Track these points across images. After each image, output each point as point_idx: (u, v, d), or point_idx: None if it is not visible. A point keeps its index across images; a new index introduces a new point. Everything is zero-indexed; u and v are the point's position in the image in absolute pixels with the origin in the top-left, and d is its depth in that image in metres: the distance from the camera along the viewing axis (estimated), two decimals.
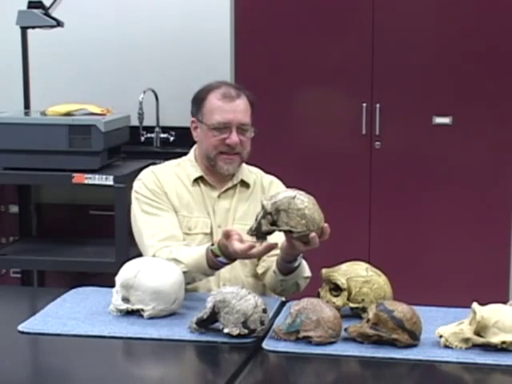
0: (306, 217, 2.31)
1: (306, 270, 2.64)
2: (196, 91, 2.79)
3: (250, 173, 2.83)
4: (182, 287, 2.40)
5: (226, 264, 2.52)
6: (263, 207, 2.33)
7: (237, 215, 2.75)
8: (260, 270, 2.71)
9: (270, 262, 2.66)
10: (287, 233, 2.36)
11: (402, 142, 4.63)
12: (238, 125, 2.68)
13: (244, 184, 2.79)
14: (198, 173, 2.77)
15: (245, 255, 2.44)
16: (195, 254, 2.55)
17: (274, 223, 2.33)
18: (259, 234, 2.35)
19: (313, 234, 2.33)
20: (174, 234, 2.68)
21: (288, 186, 2.83)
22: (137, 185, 2.78)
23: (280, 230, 2.35)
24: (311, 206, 2.33)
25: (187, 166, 2.80)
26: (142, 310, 2.34)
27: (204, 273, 2.56)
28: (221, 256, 2.48)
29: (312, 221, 2.33)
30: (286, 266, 2.56)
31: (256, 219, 2.36)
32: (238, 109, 2.69)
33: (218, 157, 2.71)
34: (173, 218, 2.71)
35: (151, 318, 2.33)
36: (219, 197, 2.76)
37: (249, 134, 2.72)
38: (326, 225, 2.37)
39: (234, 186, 2.78)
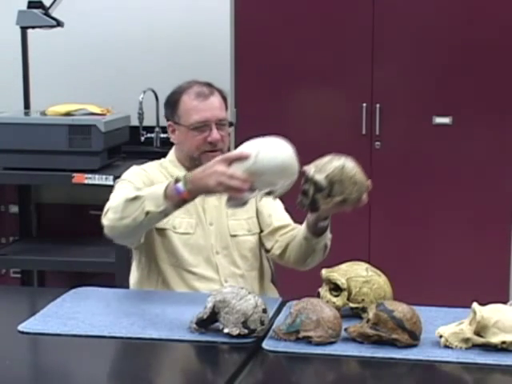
0: (357, 182, 2.36)
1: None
2: (167, 95, 2.79)
3: None
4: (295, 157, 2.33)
5: (181, 194, 2.36)
6: (317, 183, 2.32)
7: (229, 212, 2.75)
8: (278, 251, 2.73)
9: (287, 238, 2.71)
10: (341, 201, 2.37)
11: (402, 142, 4.63)
12: (216, 121, 2.69)
13: None
14: (182, 172, 2.74)
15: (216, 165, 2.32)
16: (155, 186, 2.47)
17: (328, 195, 2.34)
18: (314, 207, 2.37)
19: (364, 196, 2.41)
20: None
21: None
22: (125, 174, 2.77)
23: (335, 202, 2.36)
24: (357, 169, 2.36)
25: (169, 166, 2.79)
26: (272, 191, 2.27)
27: (156, 203, 2.39)
28: (181, 181, 2.36)
29: (362, 183, 2.37)
30: (320, 226, 2.57)
31: (305, 194, 2.34)
32: (214, 106, 2.70)
33: (202, 156, 2.69)
34: None
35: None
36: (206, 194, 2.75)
37: (227, 128, 2.74)
38: (369, 181, 2.42)
39: None
